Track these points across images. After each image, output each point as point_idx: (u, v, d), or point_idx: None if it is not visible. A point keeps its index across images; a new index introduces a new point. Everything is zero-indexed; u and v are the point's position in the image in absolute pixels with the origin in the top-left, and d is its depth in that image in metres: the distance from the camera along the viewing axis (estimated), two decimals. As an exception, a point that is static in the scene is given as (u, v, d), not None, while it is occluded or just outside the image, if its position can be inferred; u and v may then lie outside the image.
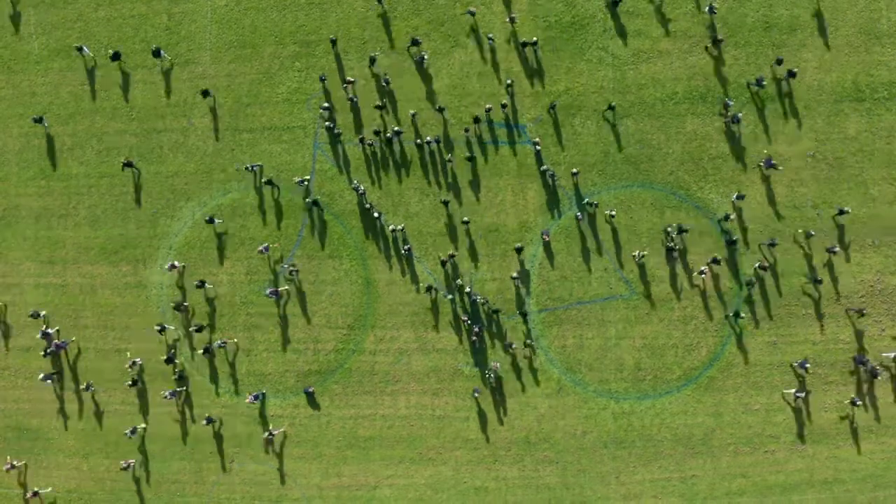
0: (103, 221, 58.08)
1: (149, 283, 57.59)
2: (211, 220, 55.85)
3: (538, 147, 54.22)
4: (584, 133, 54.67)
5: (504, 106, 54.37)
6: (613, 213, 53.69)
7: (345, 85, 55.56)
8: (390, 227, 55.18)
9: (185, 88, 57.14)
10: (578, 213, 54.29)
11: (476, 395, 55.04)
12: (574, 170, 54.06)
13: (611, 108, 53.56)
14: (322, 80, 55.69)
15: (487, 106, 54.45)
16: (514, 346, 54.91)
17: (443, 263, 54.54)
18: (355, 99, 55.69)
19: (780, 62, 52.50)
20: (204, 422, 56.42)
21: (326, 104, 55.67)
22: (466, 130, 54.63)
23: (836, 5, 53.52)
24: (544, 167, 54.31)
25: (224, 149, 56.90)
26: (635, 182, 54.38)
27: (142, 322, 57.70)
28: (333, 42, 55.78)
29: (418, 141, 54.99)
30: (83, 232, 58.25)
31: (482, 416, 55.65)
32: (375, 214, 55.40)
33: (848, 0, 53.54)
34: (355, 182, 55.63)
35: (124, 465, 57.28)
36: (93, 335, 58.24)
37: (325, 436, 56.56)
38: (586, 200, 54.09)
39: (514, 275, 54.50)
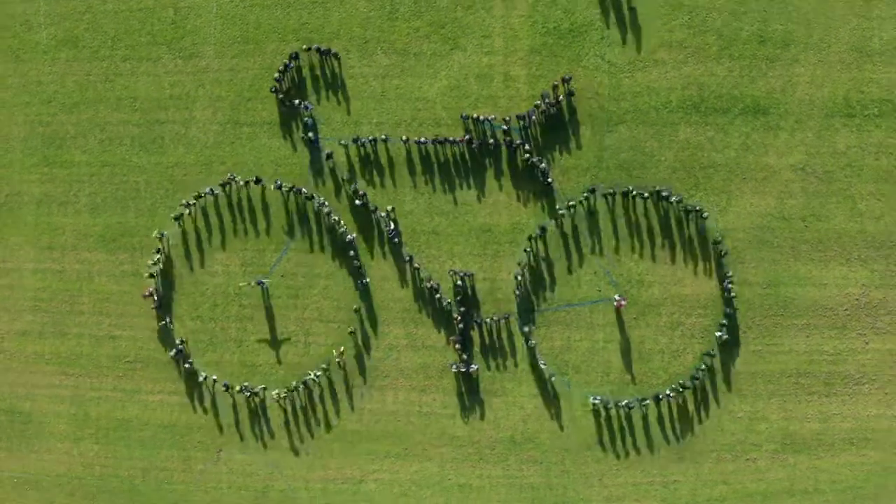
0: (103, 210, 58.95)
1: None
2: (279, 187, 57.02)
3: (532, 150, 55.07)
4: (579, 138, 55.45)
5: (507, 119, 55.41)
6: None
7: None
8: (385, 224, 56.07)
9: (188, 81, 58.10)
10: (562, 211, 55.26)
11: (453, 369, 55.73)
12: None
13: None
14: (307, 108, 57.03)
15: (480, 116, 55.36)
16: (500, 345, 55.89)
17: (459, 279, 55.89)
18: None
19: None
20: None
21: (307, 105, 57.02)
22: (471, 142, 55.75)
23: (829, 22, 54.35)
24: (543, 173, 55.09)
25: (224, 141, 57.81)
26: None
27: (137, 310, 58.48)
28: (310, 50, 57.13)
29: (415, 140, 55.85)
30: (83, 219, 59.12)
31: (468, 414, 56.31)
32: (372, 209, 56.22)
33: (841, 18, 54.34)
34: (347, 175, 56.58)
35: (147, 293, 57.65)
36: (88, 321, 59.05)
37: (313, 428, 57.22)
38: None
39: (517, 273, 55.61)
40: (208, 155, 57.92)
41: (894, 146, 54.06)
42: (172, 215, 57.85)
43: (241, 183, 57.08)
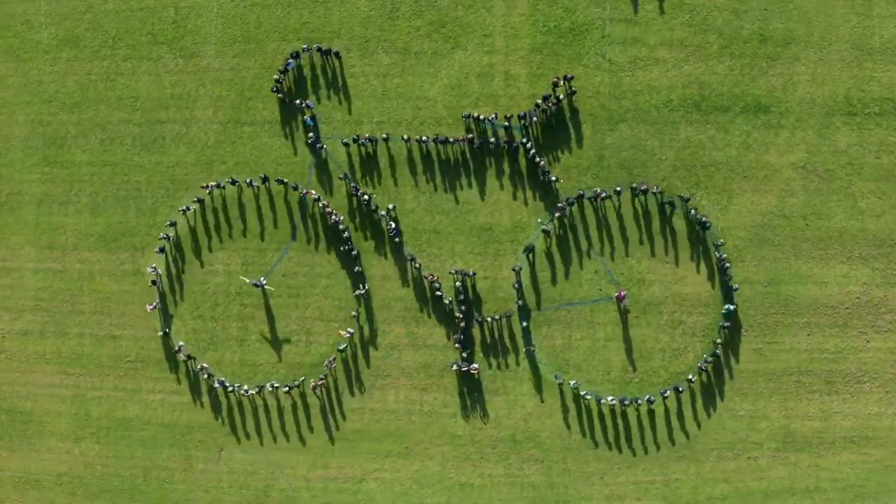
0: (104, 209, 59.04)
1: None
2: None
3: (532, 149, 55.16)
4: (580, 136, 55.51)
5: (509, 117, 55.45)
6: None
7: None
8: (385, 223, 56.19)
9: (189, 80, 58.15)
10: (545, 226, 55.53)
11: (453, 367, 55.77)
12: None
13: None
14: (309, 107, 57.10)
15: (481, 115, 55.41)
16: (501, 345, 56.02)
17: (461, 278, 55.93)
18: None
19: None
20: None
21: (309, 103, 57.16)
22: (471, 142, 55.83)
23: (829, 21, 54.42)
24: (543, 172, 55.18)
25: (225, 141, 57.87)
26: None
27: (138, 309, 58.54)
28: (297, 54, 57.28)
29: (416, 138, 55.95)
30: (84, 219, 59.21)
31: (469, 412, 56.36)
32: (373, 207, 56.34)
33: (841, 16, 54.42)
34: (345, 174, 56.64)
35: (150, 307, 57.98)
36: (89, 321, 59.16)
37: (314, 427, 57.29)
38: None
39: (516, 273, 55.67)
40: (209, 154, 58.00)
41: (895, 144, 54.11)
42: (159, 244, 58.28)
43: (218, 186, 57.71)
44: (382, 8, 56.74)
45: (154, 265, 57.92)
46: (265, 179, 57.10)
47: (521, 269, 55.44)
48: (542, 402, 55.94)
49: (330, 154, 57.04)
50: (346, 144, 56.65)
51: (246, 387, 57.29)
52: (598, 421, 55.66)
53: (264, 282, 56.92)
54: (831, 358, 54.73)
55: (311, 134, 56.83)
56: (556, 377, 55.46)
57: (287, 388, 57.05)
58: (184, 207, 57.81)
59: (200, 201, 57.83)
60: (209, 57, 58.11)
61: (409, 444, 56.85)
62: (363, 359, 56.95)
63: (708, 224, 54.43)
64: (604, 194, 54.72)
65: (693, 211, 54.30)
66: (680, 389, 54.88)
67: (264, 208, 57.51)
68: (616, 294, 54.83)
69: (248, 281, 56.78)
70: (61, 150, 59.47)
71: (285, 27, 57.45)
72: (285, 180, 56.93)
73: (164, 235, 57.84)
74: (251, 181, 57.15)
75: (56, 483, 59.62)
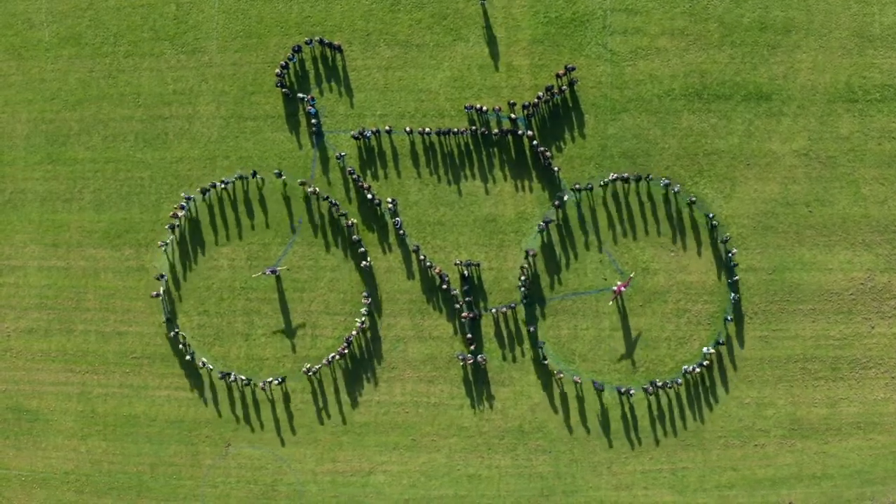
0: (107, 206, 59.03)
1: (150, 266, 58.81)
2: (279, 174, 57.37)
3: (536, 139, 55.25)
4: (583, 127, 55.61)
5: (512, 104, 55.57)
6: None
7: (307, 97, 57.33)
8: (390, 216, 56.27)
9: (191, 76, 58.20)
10: (557, 201, 55.55)
11: (460, 358, 55.81)
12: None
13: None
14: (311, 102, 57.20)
15: (484, 107, 55.53)
16: (507, 335, 56.09)
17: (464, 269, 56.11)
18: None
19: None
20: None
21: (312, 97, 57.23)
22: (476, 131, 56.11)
23: (829, 8, 54.61)
24: (544, 157, 55.26)
25: (228, 136, 57.91)
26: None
27: (143, 305, 58.53)
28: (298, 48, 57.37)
29: (418, 131, 56.01)
30: (87, 216, 59.20)
31: (476, 404, 56.39)
32: (376, 202, 56.35)
33: (841, 4, 54.62)
34: (351, 168, 56.72)
35: (154, 294, 58.05)
36: (94, 318, 59.10)
37: (321, 421, 57.28)
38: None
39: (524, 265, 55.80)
40: (212, 150, 58.03)
41: (897, 130, 54.45)
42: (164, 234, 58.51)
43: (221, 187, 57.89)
44: (384, 0, 56.84)
45: (162, 273, 58.25)
46: (256, 174, 57.47)
47: (534, 253, 55.51)
48: (549, 392, 55.99)
49: (333, 147, 57.06)
50: (357, 138, 56.46)
51: (273, 379, 57.45)
52: (606, 411, 55.70)
53: (277, 268, 56.93)
54: (836, 344, 54.88)
55: (313, 123, 56.83)
56: (571, 374, 55.63)
57: (278, 381, 57.31)
58: (201, 189, 57.95)
59: (204, 192, 57.88)
60: (211, 52, 58.17)
61: (417, 436, 56.88)
62: (369, 351, 56.98)
63: (715, 223, 54.71)
64: (613, 177, 55.10)
65: (711, 217, 54.72)
66: (706, 361, 54.99)
67: (268, 203, 57.53)
68: (615, 287, 54.87)
69: (261, 273, 56.82)
70: (64, 147, 59.47)
71: (287, 21, 57.55)
72: (254, 173, 57.39)
73: (170, 226, 57.89)
74: (245, 174, 57.35)
75: (63, 481, 59.54)
